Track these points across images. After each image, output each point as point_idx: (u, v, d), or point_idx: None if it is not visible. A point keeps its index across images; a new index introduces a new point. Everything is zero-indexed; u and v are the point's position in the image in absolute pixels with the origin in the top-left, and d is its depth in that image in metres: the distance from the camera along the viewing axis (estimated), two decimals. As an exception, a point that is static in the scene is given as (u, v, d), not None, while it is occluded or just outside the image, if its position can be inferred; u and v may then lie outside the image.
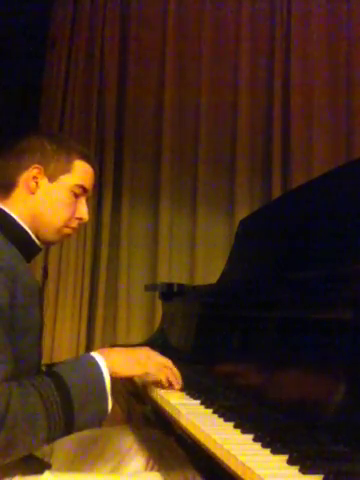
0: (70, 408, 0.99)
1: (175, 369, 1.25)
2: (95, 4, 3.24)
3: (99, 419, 1.05)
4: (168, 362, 1.23)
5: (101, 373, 1.05)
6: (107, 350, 1.16)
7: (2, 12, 2.98)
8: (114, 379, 1.09)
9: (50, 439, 1.00)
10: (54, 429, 0.97)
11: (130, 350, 1.21)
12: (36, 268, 2.95)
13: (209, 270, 3.02)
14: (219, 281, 1.98)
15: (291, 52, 3.24)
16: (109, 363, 1.08)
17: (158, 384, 1.24)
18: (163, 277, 3.01)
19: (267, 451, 0.78)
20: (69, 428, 1.00)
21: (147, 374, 1.20)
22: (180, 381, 1.25)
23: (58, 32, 3.21)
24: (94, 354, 1.09)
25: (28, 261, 1.20)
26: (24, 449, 0.97)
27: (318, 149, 3.19)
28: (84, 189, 1.25)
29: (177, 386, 1.23)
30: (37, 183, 1.20)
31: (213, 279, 2.12)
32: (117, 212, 3.14)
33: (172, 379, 1.22)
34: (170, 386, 1.23)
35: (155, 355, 1.22)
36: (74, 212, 1.25)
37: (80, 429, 1.03)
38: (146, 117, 3.23)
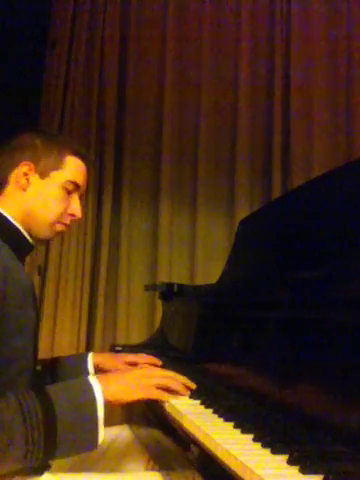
0: (53, 432, 0.94)
1: (181, 377, 1.19)
2: (95, 4, 3.24)
3: (86, 449, 0.99)
4: (170, 375, 1.18)
5: (94, 401, 0.99)
6: (106, 376, 1.11)
7: (2, 12, 2.98)
8: (115, 406, 1.05)
9: (27, 460, 0.94)
10: (32, 450, 0.92)
11: (129, 373, 1.14)
12: (33, 268, 2.95)
13: (209, 270, 3.02)
14: (219, 281, 1.98)
15: (291, 52, 3.24)
16: (106, 390, 1.02)
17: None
18: (163, 277, 3.01)
19: (267, 451, 0.78)
20: (49, 454, 0.95)
21: (149, 399, 1.13)
22: (191, 385, 1.19)
23: (58, 32, 3.20)
24: (91, 378, 1.04)
25: (20, 259, 1.19)
26: None
27: (318, 149, 3.19)
28: (76, 185, 1.25)
29: (185, 393, 1.17)
30: (28, 179, 1.19)
31: (213, 279, 2.12)
32: (117, 212, 3.13)
33: (179, 389, 1.15)
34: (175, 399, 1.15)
35: (156, 373, 1.16)
36: (66, 208, 1.24)
37: (62, 457, 0.98)
38: (146, 117, 3.22)
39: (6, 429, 0.90)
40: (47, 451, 0.94)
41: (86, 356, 1.32)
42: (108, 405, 1.02)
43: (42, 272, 3.00)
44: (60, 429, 0.94)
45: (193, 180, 3.18)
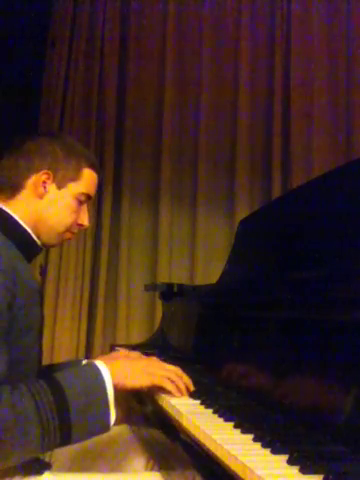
0: (66, 417, 0.96)
1: (185, 376, 1.19)
2: (95, 4, 3.24)
3: (100, 431, 1.02)
4: (177, 370, 1.18)
5: (103, 383, 1.02)
6: (113, 359, 1.14)
7: (2, 12, 2.98)
8: (119, 390, 1.06)
9: (44, 447, 0.97)
10: (48, 437, 0.94)
11: (136, 360, 1.19)
12: (34, 267, 2.95)
13: (209, 270, 3.02)
14: (219, 281, 1.98)
15: (291, 52, 3.24)
16: (113, 373, 1.04)
17: (166, 391, 1.16)
18: (163, 277, 3.01)
19: (267, 451, 0.78)
20: (66, 438, 0.97)
21: (154, 385, 1.14)
22: (191, 387, 1.18)
23: (58, 32, 3.20)
24: (98, 363, 1.06)
25: (29, 261, 1.20)
26: (16, 455, 0.94)
27: (318, 149, 3.19)
28: (89, 197, 1.27)
29: (185, 393, 1.16)
30: (45, 188, 1.20)
31: (213, 279, 2.12)
32: (117, 212, 3.14)
33: (181, 387, 1.15)
34: (178, 393, 1.15)
35: (163, 365, 1.18)
36: (77, 218, 1.26)
37: (79, 440, 1.00)
38: (146, 117, 3.23)
39: (22, 419, 0.92)
40: (63, 437, 0.96)
41: (80, 361, 1.32)
42: (115, 388, 1.04)
43: (43, 271, 3.00)
44: (73, 414, 0.96)
45: (193, 180, 3.18)
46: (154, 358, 1.23)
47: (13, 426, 0.91)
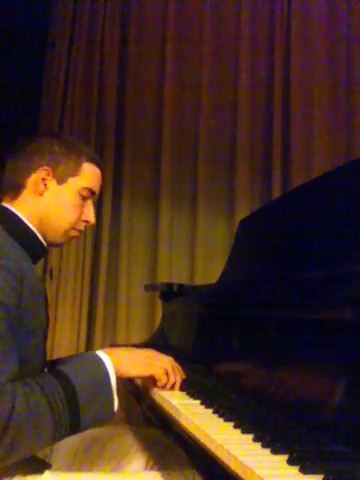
0: (76, 407, 0.98)
1: (179, 370, 1.23)
2: (95, 4, 3.24)
3: (105, 418, 1.05)
4: (174, 363, 1.22)
5: (107, 372, 1.05)
6: (112, 349, 1.16)
7: (2, 12, 2.98)
8: (118, 378, 1.09)
9: (56, 439, 0.99)
10: (60, 429, 0.97)
11: (135, 350, 1.21)
12: (40, 269, 2.95)
13: (209, 270, 3.02)
14: (219, 281, 1.98)
15: (291, 52, 3.24)
16: (115, 362, 1.07)
17: (158, 384, 1.21)
18: (163, 277, 3.01)
19: (267, 451, 0.78)
20: (75, 427, 1.00)
21: (152, 376, 1.18)
22: (177, 386, 1.22)
23: (58, 32, 3.21)
24: (99, 353, 1.08)
25: (34, 262, 1.20)
26: (30, 449, 0.98)
27: (318, 149, 3.19)
28: (92, 192, 1.26)
29: (177, 388, 1.22)
30: (46, 185, 1.20)
31: (213, 279, 2.12)
32: (117, 212, 3.14)
33: (171, 381, 1.21)
34: (171, 387, 1.21)
35: (161, 356, 1.21)
36: (81, 214, 1.25)
37: (86, 428, 1.03)
38: (146, 117, 3.23)
39: (35, 415, 0.94)
40: (72, 426, 0.99)
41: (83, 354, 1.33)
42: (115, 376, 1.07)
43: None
44: (81, 404, 0.99)
45: (193, 180, 3.18)
46: (151, 349, 1.25)
47: (28, 422, 0.93)
